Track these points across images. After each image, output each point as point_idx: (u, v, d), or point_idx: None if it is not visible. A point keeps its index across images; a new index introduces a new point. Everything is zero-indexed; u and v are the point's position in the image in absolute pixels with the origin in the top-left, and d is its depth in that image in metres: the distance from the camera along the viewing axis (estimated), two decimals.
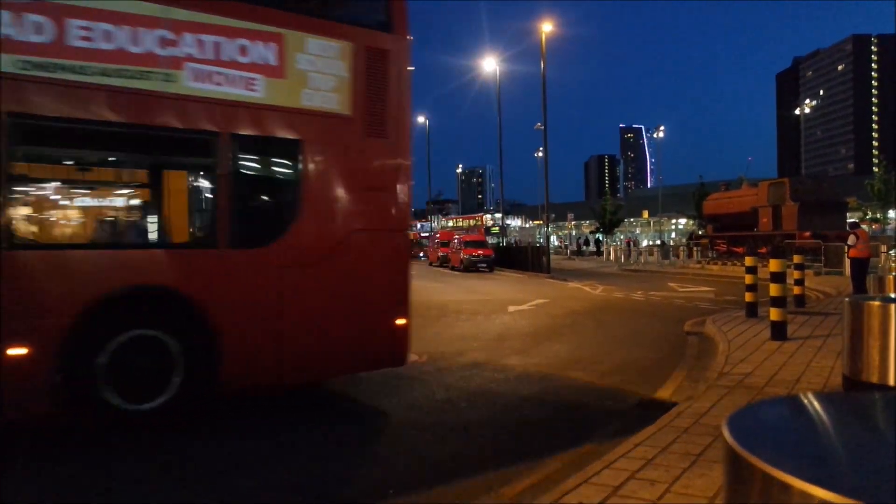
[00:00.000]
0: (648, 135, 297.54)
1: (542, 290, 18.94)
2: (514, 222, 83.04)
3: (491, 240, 53.91)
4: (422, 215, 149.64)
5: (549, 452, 4.41)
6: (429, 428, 5.00)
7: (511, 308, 13.69)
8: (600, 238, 55.09)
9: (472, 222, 68.68)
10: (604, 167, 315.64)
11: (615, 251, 38.43)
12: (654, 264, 31.85)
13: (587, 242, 53.69)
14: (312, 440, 4.70)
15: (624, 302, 14.99)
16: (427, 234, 60.77)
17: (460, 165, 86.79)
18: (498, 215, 64.19)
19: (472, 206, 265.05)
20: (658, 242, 49.20)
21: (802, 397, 1.31)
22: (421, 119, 54.60)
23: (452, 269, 32.83)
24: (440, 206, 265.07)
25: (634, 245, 41.91)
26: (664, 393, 5.96)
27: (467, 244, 31.89)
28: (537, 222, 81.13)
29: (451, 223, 75.09)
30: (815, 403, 1.29)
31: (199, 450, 4.48)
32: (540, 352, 8.35)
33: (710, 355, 7.53)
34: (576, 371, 7.13)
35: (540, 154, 60.24)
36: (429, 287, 21.32)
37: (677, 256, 33.62)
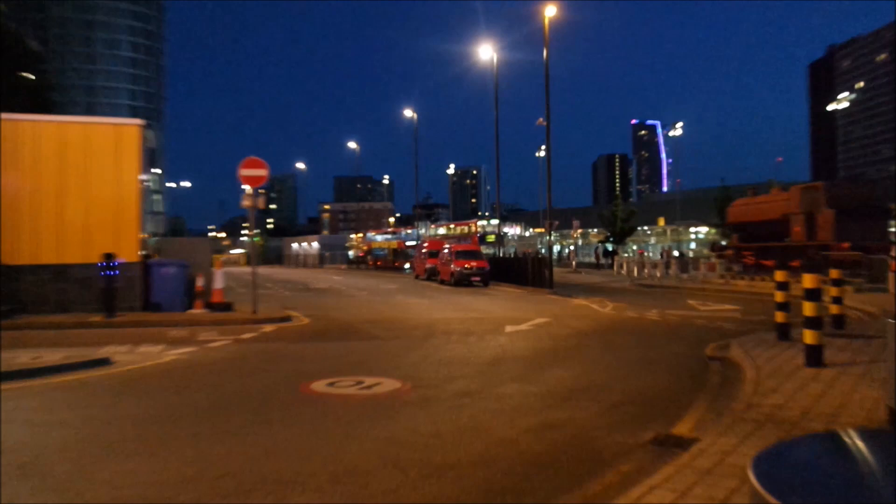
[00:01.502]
0: (664, 132, 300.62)
1: (543, 308, 19.00)
2: (513, 230, 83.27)
3: (486, 250, 54.09)
4: (407, 221, 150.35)
5: (550, 495, 4.37)
6: (412, 466, 4.94)
7: (508, 328, 13.73)
8: (609, 248, 55.40)
9: (465, 230, 68.81)
10: (614, 168, 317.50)
11: (627, 264, 38.62)
12: (671, 279, 31.99)
13: (606, 253, 53.71)
14: None
15: (637, 322, 15.06)
16: (413, 244, 60.98)
17: (452, 165, 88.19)
18: (494, 222, 64.22)
19: (464, 211, 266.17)
20: (676, 254, 49.46)
21: (842, 434, 1.27)
22: (408, 113, 54.89)
23: (442, 282, 33.06)
24: (429, 212, 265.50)
25: (667, 256, 42.14)
26: (683, 427, 5.94)
27: (459, 255, 32.13)
28: (539, 230, 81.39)
29: (441, 230, 75.15)
30: (857, 441, 1.26)
31: None
32: (541, 378, 8.37)
33: (736, 384, 7.52)
34: (582, 400, 7.12)
35: (542, 153, 60.60)
36: (414, 304, 21.33)
37: (697, 269, 33.78)
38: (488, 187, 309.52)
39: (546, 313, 17.19)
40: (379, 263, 63.69)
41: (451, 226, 74.90)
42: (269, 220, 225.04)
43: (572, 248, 57.04)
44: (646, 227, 68.83)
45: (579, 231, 58.83)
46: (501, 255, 43.34)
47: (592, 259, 54.30)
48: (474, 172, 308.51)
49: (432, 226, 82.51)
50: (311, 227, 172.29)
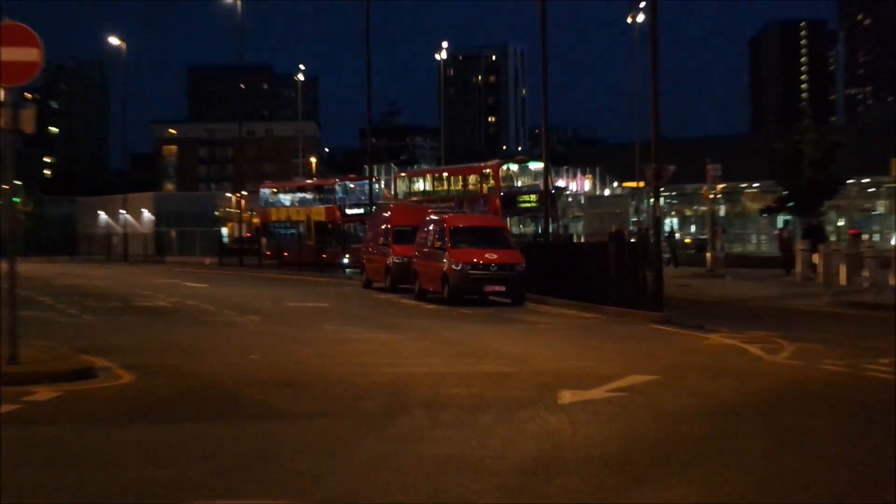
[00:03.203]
0: None
1: (642, 353, 19.10)
2: (577, 185, 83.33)
3: (518, 229, 53.73)
4: (351, 165, 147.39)
5: None
6: None
7: (566, 396, 13.84)
8: (789, 222, 55.33)
9: (472, 182, 68.36)
10: (795, 51, 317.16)
11: (825, 260, 38.56)
12: None
13: (813, 236, 51.30)
14: None
15: (848, 385, 15.27)
16: (359, 212, 60.98)
17: (444, 46, 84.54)
18: (535, 166, 63.62)
19: (472, 142, 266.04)
20: None
21: None
22: None
23: (423, 294, 33.62)
24: (395, 143, 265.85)
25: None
26: None
27: (460, 236, 32.60)
28: (630, 185, 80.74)
29: (420, 183, 74.83)
30: None
31: None
32: None
33: None
34: None
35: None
36: (366, 340, 21.36)
37: None
38: (524, 92, 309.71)
39: (648, 364, 17.24)
40: (286, 254, 63.86)
41: (444, 173, 74.44)
42: (45, 161, 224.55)
43: (717, 225, 56.66)
44: (865, 179, 69.40)
45: (720, 187, 58.54)
46: (551, 236, 43.25)
47: (755, 246, 53.71)
48: (493, 59, 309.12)
49: (402, 174, 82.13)
50: (139, 178, 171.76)
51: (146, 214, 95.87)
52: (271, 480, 9.18)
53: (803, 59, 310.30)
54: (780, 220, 58.77)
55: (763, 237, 69.30)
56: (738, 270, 49.01)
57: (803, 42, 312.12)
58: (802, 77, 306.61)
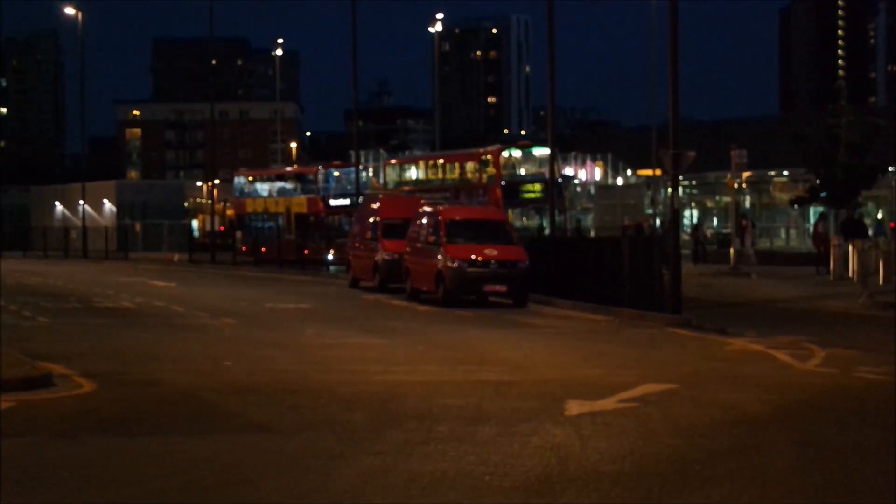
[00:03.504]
0: None
1: (658, 360, 19.16)
2: (586, 172, 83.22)
3: (520, 222, 53.75)
4: (336, 151, 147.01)
5: None
6: None
7: (573, 407, 13.92)
8: (826, 215, 55.28)
9: (471, 169, 68.46)
10: (831, 22, 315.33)
11: (859, 258, 38.68)
12: None
13: (852, 229, 50.98)
14: None
15: (882, 394, 15.32)
16: (345, 203, 61.15)
17: (440, 18, 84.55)
18: (540, 152, 63.68)
19: (469, 125, 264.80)
20: None
21: None
22: None
23: (415, 295, 33.78)
24: (385, 125, 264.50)
25: None
26: None
27: (457, 230, 32.73)
28: (646, 173, 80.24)
29: (413, 172, 74.96)
30: None
31: None
32: None
33: None
34: None
35: None
36: (352, 345, 21.46)
37: None
38: (528, 69, 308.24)
39: (664, 372, 17.28)
40: (264, 250, 64.03)
41: (438, 160, 74.47)
42: None
43: (747, 218, 56.69)
44: None
45: (745, 175, 58.62)
46: (557, 231, 43.42)
47: (784, 241, 53.49)
48: (493, 32, 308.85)
49: (393, 161, 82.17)
50: (99, 164, 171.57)
51: (107, 206, 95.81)
52: (248, 500, 9.23)
53: (840, 33, 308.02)
54: (812, 211, 58.60)
55: (793, 231, 68.82)
56: (766, 268, 49.06)
57: (840, 13, 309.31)
58: (839, 52, 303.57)
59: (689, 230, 63.73)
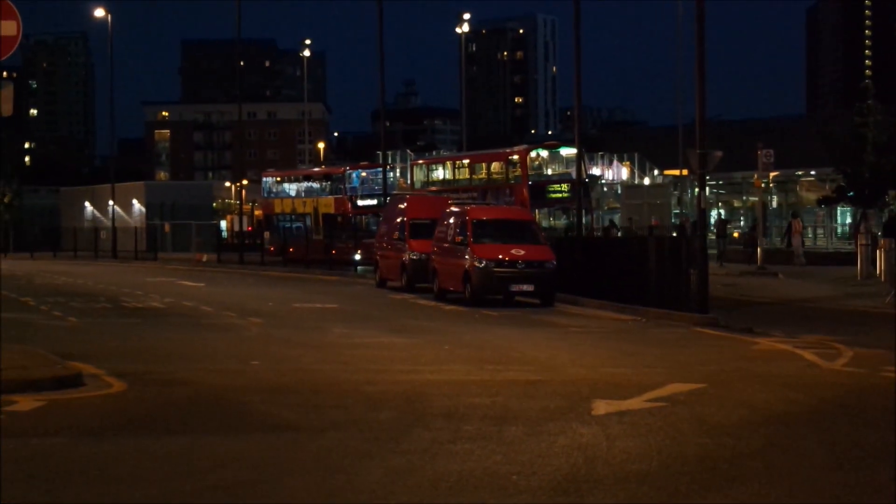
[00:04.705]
0: None
1: (685, 360, 19.10)
2: (612, 173, 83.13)
3: (547, 221, 53.56)
4: (363, 152, 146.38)
5: None
6: None
7: (600, 406, 13.93)
8: (864, 213, 55.00)
9: (496, 170, 68.42)
10: (860, 18, 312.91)
11: (886, 255, 38.48)
12: None
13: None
14: None
15: None
16: (373, 203, 61.26)
17: (467, 18, 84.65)
18: (567, 152, 63.73)
19: (496, 126, 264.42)
20: None
21: None
22: None
23: (444, 294, 33.74)
24: (413, 126, 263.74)
25: None
26: None
27: (485, 230, 32.73)
28: (673, 173, 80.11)
29: (440, 172, 74.94)
30: None
31: None
32: None
33: None
34: None
35: None
36: (378, 345, 21.47)
37: None
38: (554, 69, 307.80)
39: (691, 372, 17.27)
40: (291, 250, 64.02)
41: (465, 160, 74.49)
42: (24, 147, 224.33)
43: (797, 217, 56.37)
44: None
45: (772, 175, 58.35)
46: (584, 230, 43.25)
47: (811, 241, 53.06)
48: (520, 32, 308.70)
49: (420, 161, 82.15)
50: (129, 165, 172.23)
51: (137, 206, 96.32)
52: (275, 499, 9.25)
53: (867, 32, 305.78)
54: (839, 212, 58.10)
55: (820, 231, 68.49)
56: (814, 268, 48.71)
57: (867, 12, 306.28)
58: (866, 52, 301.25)
59: (713, 229, 63.45)
